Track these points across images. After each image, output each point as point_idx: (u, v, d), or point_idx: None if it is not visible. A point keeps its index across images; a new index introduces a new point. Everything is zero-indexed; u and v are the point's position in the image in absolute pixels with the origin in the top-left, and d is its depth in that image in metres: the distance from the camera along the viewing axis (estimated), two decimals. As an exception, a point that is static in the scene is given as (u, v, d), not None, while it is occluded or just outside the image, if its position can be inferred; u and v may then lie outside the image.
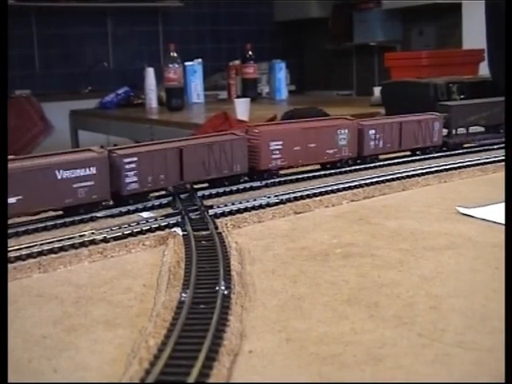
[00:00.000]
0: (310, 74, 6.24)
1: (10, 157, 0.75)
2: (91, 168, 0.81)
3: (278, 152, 0.99)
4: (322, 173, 1.05)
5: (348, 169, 1.08)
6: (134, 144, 0.90)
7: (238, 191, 0.96)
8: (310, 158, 1.04)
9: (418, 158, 1.17)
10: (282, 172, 1.03)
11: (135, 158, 0.85)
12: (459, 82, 2.36)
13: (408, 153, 1.19)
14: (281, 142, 0.99)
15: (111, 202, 0.86)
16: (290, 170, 1.06)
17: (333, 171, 1.06)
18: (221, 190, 0.95)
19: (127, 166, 0.84)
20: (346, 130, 1.07)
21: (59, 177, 0.78)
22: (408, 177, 1.04)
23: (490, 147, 1.25)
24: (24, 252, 0.69)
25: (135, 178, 0.85)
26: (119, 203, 0.85)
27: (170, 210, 0.87)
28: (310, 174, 1.04)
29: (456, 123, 1.23)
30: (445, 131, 1.22)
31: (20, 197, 0.75)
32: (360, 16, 5.37)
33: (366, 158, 1.10)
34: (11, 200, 0.73)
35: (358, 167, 1.09)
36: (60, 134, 4.43)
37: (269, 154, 0.98)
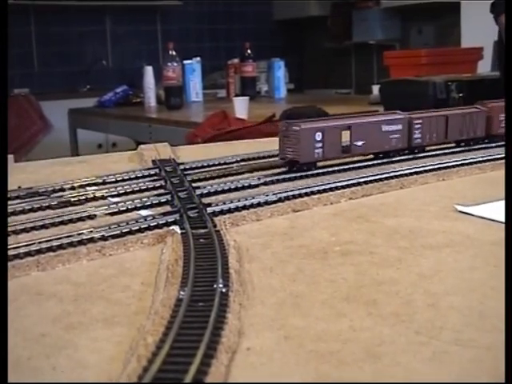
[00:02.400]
0: (309, 73, 6.24)
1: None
2: (399, 125, 1.13)
3: (503, 122, 1.27)
4: (321, 171, 1.06)
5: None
6: (421, 111, 1.20)
7: (236, 189, 0.96)
8: None
9: (417, 156, 1.17)
10: (278, 170, 1.05)
11: (421, 121, 1.16)
12: (458, 81, 2.37)
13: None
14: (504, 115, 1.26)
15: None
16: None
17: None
18: (219, 188, 0.95)
19: (416, 126, 1.16)
20: None
21: (383, 129, 1.11)
22: (406, 175, 1.04)
23: (489, 145, 1.26)
24: (22, 250, 0.69)
25: (419, 135, 1.17)
26: (409, 152, 1.17)
27: (168, 208, 0.87)
28: (309, 173, 1.04)
29: None
30: None
31: (364, 141, 1.08)
32: (359, 15, 5.37)
33: None
34: (359, 143, 1.07)
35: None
36: (59, 133, 4.43)
37: (498, 123, 1.27)
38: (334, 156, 1.06)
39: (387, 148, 1.13)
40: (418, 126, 1.16)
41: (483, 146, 1.25)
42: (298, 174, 1.03)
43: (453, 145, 1.25)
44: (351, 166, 1.09)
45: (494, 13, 2.33)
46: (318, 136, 1.01)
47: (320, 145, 1.02)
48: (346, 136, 1.07)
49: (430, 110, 1.21)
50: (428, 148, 1.21)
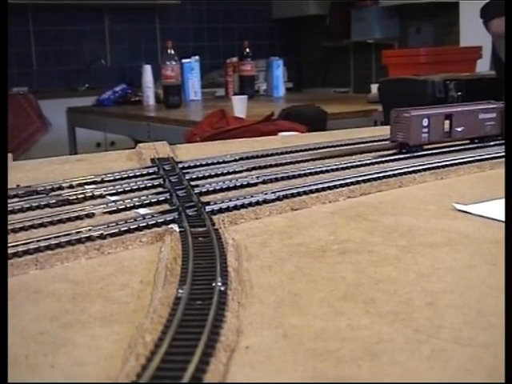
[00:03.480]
0: (308, 72, 6.24)
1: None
2: (494, 113, 1.25)
3: None
4: (319, 170, 1.06)
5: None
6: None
7: (234, 188, 0.96)
8: None
9: (415, 155, 1.17)
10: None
11: None
12: (457, 80, 2.37)
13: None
14: None
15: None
16: (290, 166, 1.07)
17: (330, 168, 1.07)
18: (218, 186, 0.95)
19: None
20: None
21: (480, 117, 1.23)
22: (405, 173, 1.04)
23: (487, 144, 1.26)
24: (21, 248, 0.69)
25: None
26: (502, 138, 1.26)
27: (166, 207, 0.87)
28: (307, 171, 1.05)
29: None
30: None
31: (463, 128, 1.21)
32: (358, 13, 5.37)
33: None
34: (459, 129, 1.20)
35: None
36: (57, 132, 4.43)
37: None
38: (438, 140, 1.20)
39: (483, 134, 1.25)
40: None
41: (482, 144, 1.25)
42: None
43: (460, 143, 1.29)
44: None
45: (484, 19, 2.33)
46: (425, 122, 1.15)
47: (426, 130, 1.16)
48: (447, 123, 1.21)
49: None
50: (428, 147, 1.21)
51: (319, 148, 1.27)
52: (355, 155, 1.20)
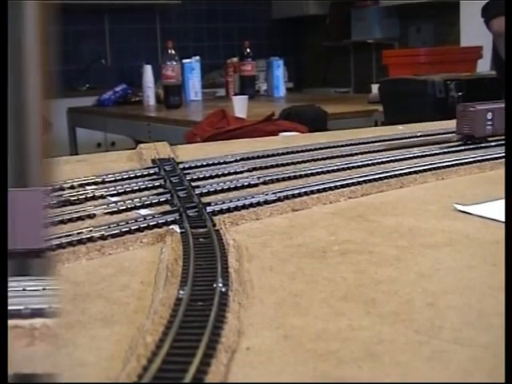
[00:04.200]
0: (308, 72, 6.24)
1: None
2: None
3: None
4: (320, 170, 1.06)
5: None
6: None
7: (235, 188, 0.96)
8: None
9: (416, 155, 1.17)
10: (282, 169, 1.06)
11: None
12: (457, 80, 2.37)
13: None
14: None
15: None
16: (291, 167, 1.07)
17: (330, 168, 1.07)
18: (219, 187, 0.95)
19: None
20: None
21: None
22: (406, 174, 1.04)
23: (487, 144, 1.26)
24: (22, 249, 0.69)
25: None
26: None
27: (167, 208, 0.87)
28: (308, 172, 1.05)
29: None
30: None
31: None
32: (358, 13, 5.37)
33: None
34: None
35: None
36: (58, 132, 4.42)
37: None
38: (501, 132, 1.24)
39: None
40: None
41: (483, 145, 1.25)
42: (298, 173, 1.04)
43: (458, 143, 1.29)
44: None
45: (486, 17, 2.33)
46: (489, 115, 1.23)
47: (490, 123, 1.24)
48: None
49: None
50: (429, 147, 1.22)
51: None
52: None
